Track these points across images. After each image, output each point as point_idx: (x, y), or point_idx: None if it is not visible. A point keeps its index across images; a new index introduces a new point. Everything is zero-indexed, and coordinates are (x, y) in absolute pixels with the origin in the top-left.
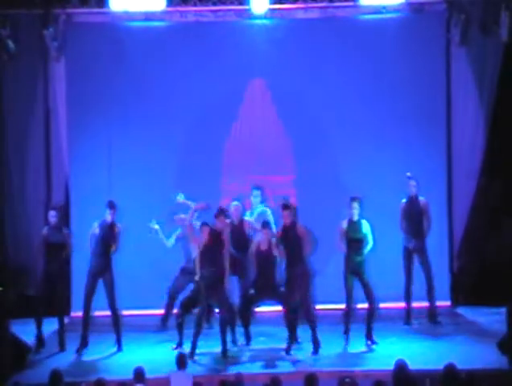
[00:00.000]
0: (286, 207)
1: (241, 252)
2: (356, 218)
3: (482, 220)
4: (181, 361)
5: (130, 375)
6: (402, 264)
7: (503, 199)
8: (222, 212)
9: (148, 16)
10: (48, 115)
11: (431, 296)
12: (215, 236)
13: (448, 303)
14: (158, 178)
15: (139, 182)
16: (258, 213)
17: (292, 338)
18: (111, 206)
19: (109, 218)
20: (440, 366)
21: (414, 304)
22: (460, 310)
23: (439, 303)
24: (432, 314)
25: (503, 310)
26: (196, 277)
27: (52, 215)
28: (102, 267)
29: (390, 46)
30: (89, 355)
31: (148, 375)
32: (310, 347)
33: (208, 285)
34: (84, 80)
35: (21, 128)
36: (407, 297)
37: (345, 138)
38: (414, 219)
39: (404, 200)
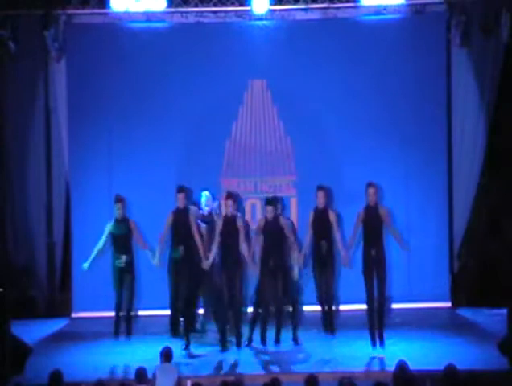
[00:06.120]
0: (269, 202)
1: None
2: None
3: (483, 220)
4: (167, 354)
5: (131, 376)
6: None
7: (504, 199)
8: (231, 196)
9: (149, 17)
10: (49, 115)
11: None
12: (228, 223)
13: (449, 304)
14: (158, 178)
15: (139, 182)
16: None
17: (278, 335)
18: (118, 200)
19: (119, 213)
20: (441, 366)
21: (414, 304)
22: (461, 311)
23: (439, 304)
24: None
25: (504, 310)
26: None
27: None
28: (125, 267)
29: (390, 47)
30: (90, 355)
31: (150, 376)
32: (309, 348)
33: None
34: (85, 80)
35: (22, 128)
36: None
37: (346, 139)
38: (372, 228)
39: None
